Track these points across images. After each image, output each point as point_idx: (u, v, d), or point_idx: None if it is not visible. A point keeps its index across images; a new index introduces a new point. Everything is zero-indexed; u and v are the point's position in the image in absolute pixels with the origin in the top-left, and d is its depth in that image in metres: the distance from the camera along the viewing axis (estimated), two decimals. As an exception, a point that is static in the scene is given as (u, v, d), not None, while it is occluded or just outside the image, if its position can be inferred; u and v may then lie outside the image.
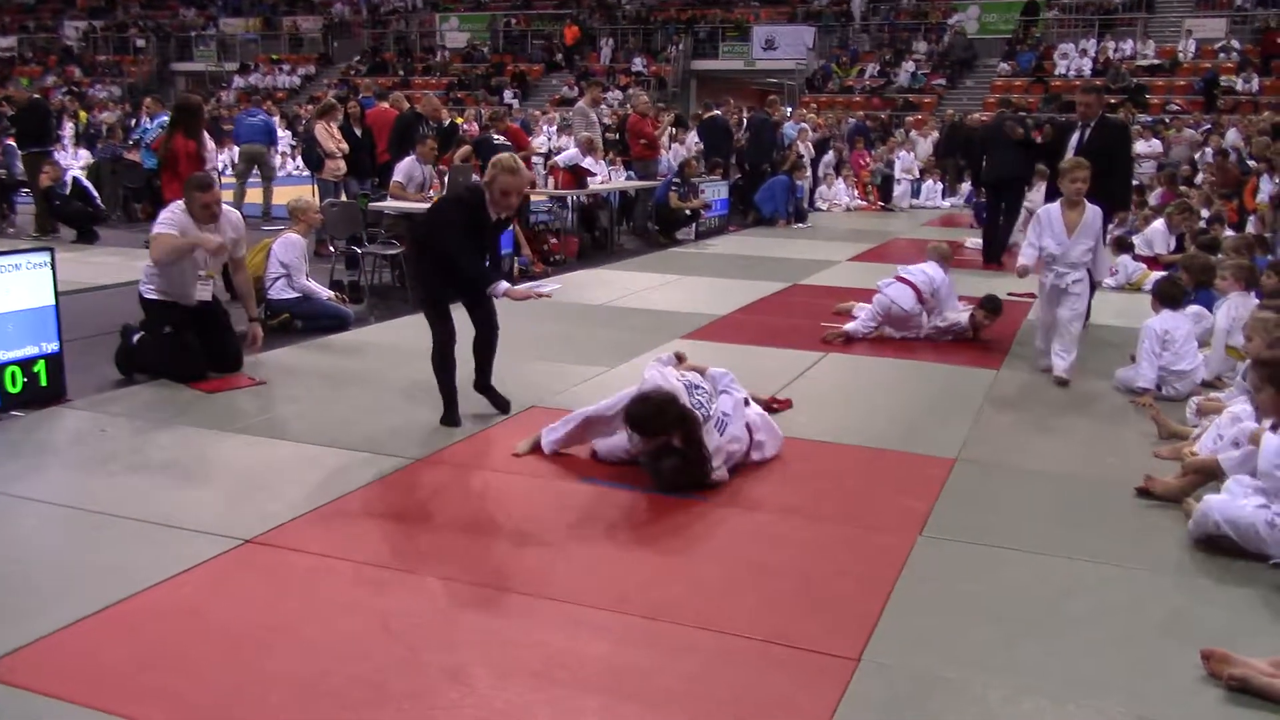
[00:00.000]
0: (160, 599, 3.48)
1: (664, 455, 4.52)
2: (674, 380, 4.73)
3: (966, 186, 18.30)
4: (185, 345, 6.12)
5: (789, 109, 23.59)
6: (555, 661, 3.16)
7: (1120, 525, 4.30)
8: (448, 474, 4.78)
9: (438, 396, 6.01)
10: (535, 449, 5.01)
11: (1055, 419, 5.95)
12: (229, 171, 15.72)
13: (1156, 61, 25.26)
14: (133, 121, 17.36)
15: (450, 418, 5.37)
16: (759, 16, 30.52)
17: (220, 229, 6.23)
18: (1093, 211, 6.50)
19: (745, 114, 18.04)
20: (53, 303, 5.63)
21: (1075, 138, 8.12)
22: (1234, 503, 4.00)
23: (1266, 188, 10.83)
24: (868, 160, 19.14)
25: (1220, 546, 4.02)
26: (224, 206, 6.32)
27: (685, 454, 4.49)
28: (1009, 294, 9.71)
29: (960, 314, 7.75)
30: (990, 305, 7.73)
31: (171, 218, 6.12)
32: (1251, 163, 11.78)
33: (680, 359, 5.51)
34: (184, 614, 3.39)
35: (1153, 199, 13.53)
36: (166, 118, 12.08)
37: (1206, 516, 4.02)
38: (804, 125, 18.82)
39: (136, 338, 6.22)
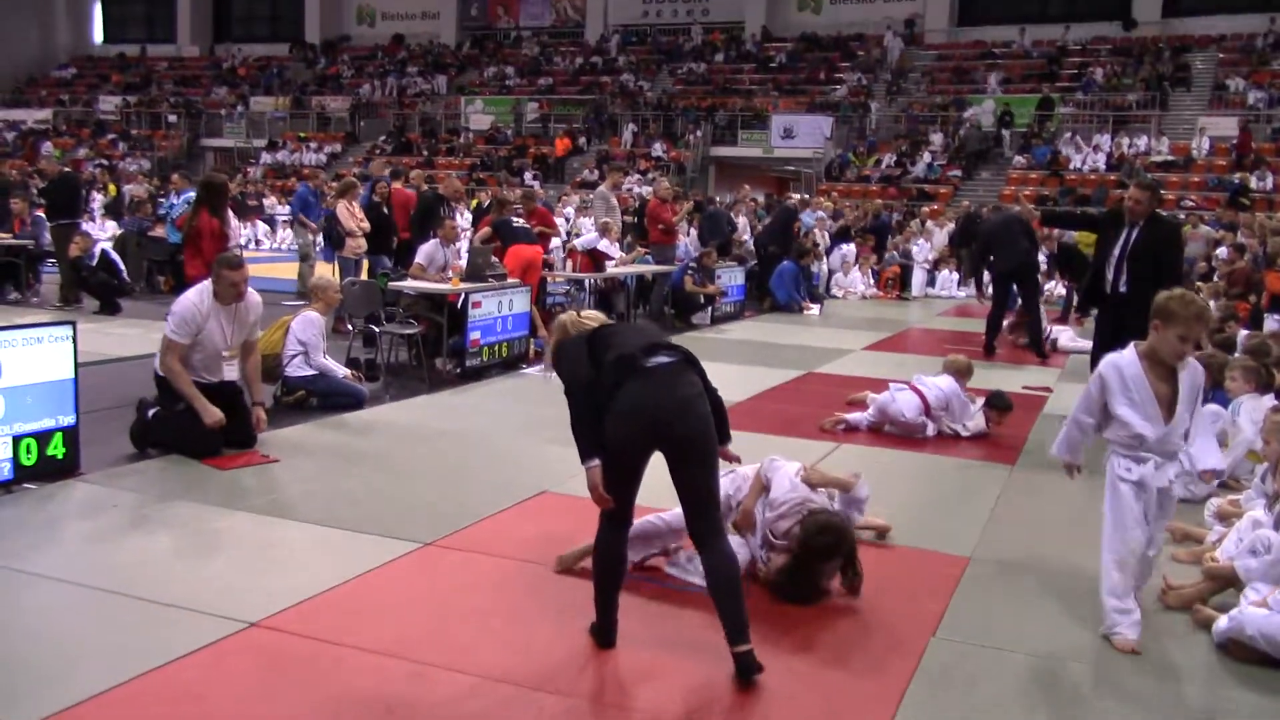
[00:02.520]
0: (161, 683, 3.44)
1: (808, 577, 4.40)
2: (806, 490, 4.65)
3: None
4: (198, 420, 6.12)
5: (805, 196, 23.90)
6: (558, 760, 3.10)
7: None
8: (458, 560, 4.74)
9: (449, 475, 6.04)
10: (583, 557, 4.50)
11: (1070, 517, 5.87)
12: (251, 247, 15.93)
13: (1170, 158, 25.51)
14: (161, 196, 17.67)
15: (605, 637, 3.91)
16: (778, 106, 31.06)
17: (242, 311, 6.28)
18: (1193, 370, 4.15)
19: (763, 203, 18.23)
20: (72, 376, 5.67)
21: (1122, 237, 7.73)
22: (1272, 618, 3.92)
23: None
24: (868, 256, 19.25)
25: (1237, 650, 3.95)
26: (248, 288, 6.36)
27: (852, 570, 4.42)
28: (1024, 387, 9.72)
29: (979, 420, 7.67)
30: (998, 403, 7.64)
31: (187, 313, 6.07)
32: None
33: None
34: (185, 699, 3.35)
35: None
36: (192, 194, 12.34)
37: (1241, 630, 3.95)
38: (821, 214, 19.04)
39: (152, 412, 6.25)
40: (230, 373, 6.37)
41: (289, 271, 14.43)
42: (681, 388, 3.68)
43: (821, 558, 4.33)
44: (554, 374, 3.99)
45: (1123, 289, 7.70)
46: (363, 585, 4.38)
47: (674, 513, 4.51)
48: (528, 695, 3.48)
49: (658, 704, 3.46)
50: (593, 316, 4.04)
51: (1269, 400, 6.24)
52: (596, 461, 3.65)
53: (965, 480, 6.57)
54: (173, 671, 3.52)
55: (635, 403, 3.60)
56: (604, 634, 3.87)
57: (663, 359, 3.69)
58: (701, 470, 3.72)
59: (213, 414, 6.03)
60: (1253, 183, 23.38)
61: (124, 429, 6.30)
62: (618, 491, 3.69)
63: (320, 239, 13.41)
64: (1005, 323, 12.22)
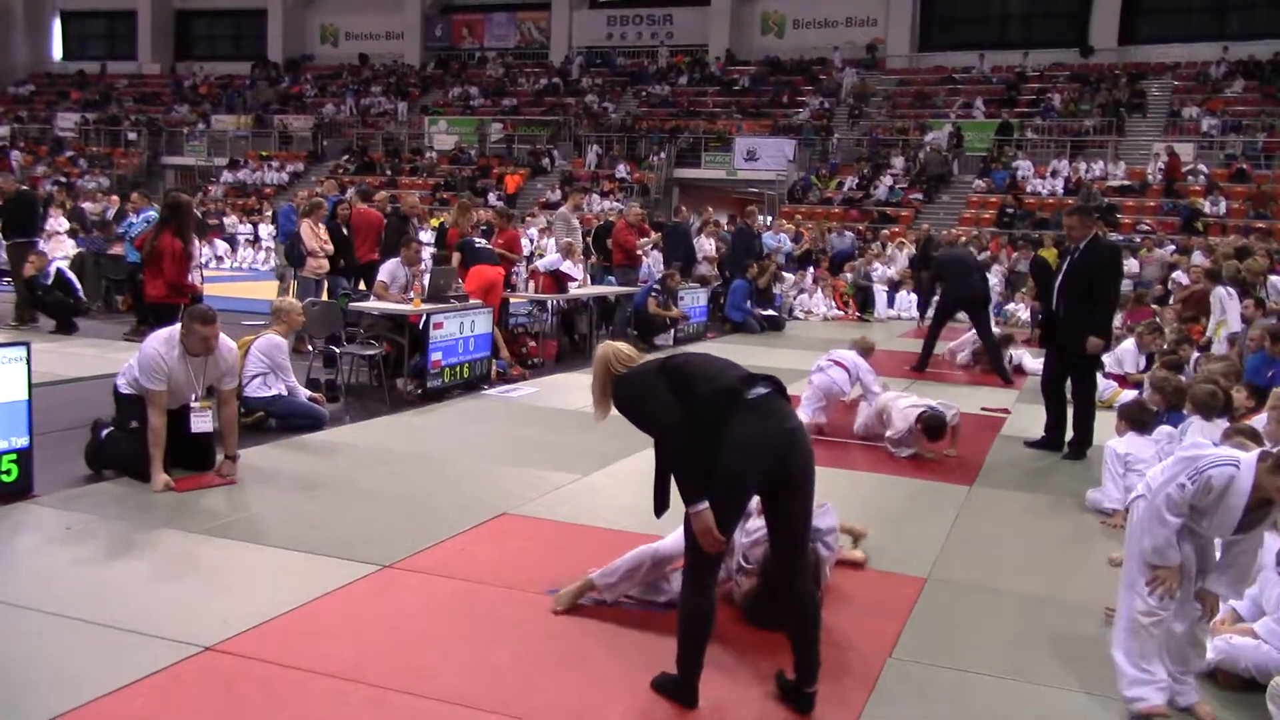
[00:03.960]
0: (113, 708, 3.40)
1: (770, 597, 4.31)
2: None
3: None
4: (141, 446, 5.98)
5: (769, 219, 24.06)
6: (515, 784, 3.09)
7: (1090, 650, 4.27)
8: (417, 582, 4.72)
9: (409, 497, 6.01)
10: (576, 601, 4.49)
11: (1028, 539, 5.95)
12: (210, 265, 15.79)
13: (1127, 182, 25.96)
14: (116, 214, 17.48)
15: (690, 696, 3.66)
16: (741, 129, 31.28)
17: (211, 362, 6.10)
18: None
19: (727, 224, 18.36)
20: (26, 397, 5.59)
21: (1066, 262, 7.95)
22: (1261, 649, 3.99)
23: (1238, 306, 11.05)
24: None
25: (1225, 678, 4.02)
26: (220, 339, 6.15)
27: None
28: (983, 408, 9.83)
29: (904, 419, 7.70)
30: (929, 426, 7.55)
31: (151, 362, 5.91)
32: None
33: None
34: (136, 726, 3.31)
35: (1118, 319, 13.75)
36: (152, 213, 12.22)
37: (1235, 663, 4.01)
38: (783, 236, 19.19)
39: (105, 432, 6.17)
40: (203, 424, 6.20)
41: (249, 291, 14.33)
42: (788, 419, 3.58)
43: (772, 580, 4.31)
44: (607, 416, 3.79)
45: (1061, 311, 7.92)
46: (321, 608, 4.35)
47: (665, 542, 4.47)
48: (486, 718, 3.47)
49: (616, 727, 3.46)
50: (629, 349, 3.84)
51: (1221, 424, 6.34)
52: (706, 504, 3.42)
53: (923, 501, 6.64)
54: (126, 697, 3.48)
55: (751, 438, 3.44)
56: (689, 694, 3.63)
57: (761, 390, 3.54)
58: (804, 506, 3.64)
59: (158, 483, 5.86)
60: (1206, 208, 23.83)
61: (79, 450, 6.22)
62: (727, 533, 3.49)
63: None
64: (967, 353, 12.52)
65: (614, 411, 3.84)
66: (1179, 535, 3.58)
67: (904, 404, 7.88)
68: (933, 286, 12.89)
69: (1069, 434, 8.02)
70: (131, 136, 36.76)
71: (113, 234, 15.44)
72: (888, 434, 7.80)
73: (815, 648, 3.62)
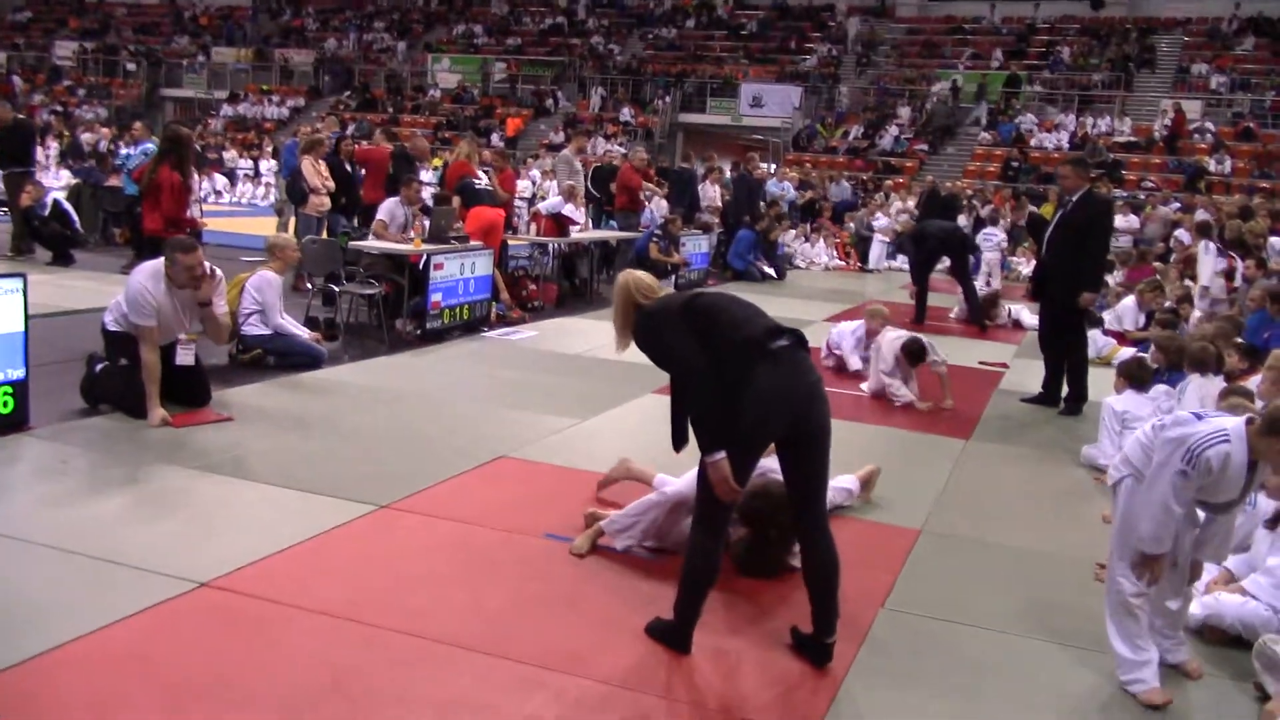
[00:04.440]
0: (107, 642, 3.41)
1: (760, 545, 4.37)
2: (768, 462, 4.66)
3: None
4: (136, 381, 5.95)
5: (773, 166, 23.86)
6: (508, 725, 3.12)
7: (1080, 604, 4.30)
8: (413, 523, 4.73)
9: (407, 438, 6.01)
10: (594, 547, 4.49)
11: (1022, 493, 5.97)
12: (209, 200, 15.66)
13: (1133, 139, 25.74)
14: (117, 145, 17.30)
15: (685, 643, 3.67)
16: (747, 74, 30.94)
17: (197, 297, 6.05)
18: None
19: (730, 172, 18.20)
20: (22, 329, 5.56)
21: (1057, 214, 7.99)
22: (1247, 605, 4.02)
23: (1214, 264, 11.08)
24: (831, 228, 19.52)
25: (1211, 634, 4.04)
26: (211, 269, 6.10)
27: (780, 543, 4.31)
28: (980, 362, 9.83)
29: (891, 349, 7.92)
30: (909, 350, 7.81)
31: (138, 296, 5.84)
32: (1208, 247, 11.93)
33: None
34: (130, 659, 3.32)
35: (1119, 275, 13.71)
36: (151, 145, 12.10)
37: (1220, 618, 4.04)
38: (787, 184, 19.04)
39: (100, 366, 6.15)
40: (186, 358, 6.15)
41: (247, 226, 14.22)
42: (808, 373, 3.54)
43: (760, 523, 4.31)
44: (628, 348, 3.71)
45: (1051, 263, 7.93)
46: (317, 547, 4.36)
47: (677, 486, 4.41)
48: (479, 659, 3.49)
49: (608, 670, 3.49)
50: (651, 280, 3.75)
51: (1218, 381, 6.34)
52: (723, 453, 3.38)
53: (919, 453, 6.64)
54: (119, 631, 3.49)
55: (774, 390, 3.40)
56: (684, 641, 3.63)
57: (784, 341, 3.48)
58: (822, 459, 3.62)
59: (155, 417, 5.84)
60: (1211, 166, 23.66)
61: (75, 384, 6.20)
62: (743, 483, 3.47)
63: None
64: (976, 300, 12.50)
65: (614, 358, 3.80)
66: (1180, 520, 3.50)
67: (891, 335, 8.02)
68: (915, 252, 12.92)
69: (1065, 389, 8.02)
70: (130, 67, 36.35)
71: (109, 166, 15.31)
72: (880, 368, 7.90)
73: (834, 598, 3.62)
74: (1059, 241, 7.80)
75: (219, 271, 6.21)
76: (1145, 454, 3.56)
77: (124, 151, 14.02)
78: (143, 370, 5.87)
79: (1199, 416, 3.52)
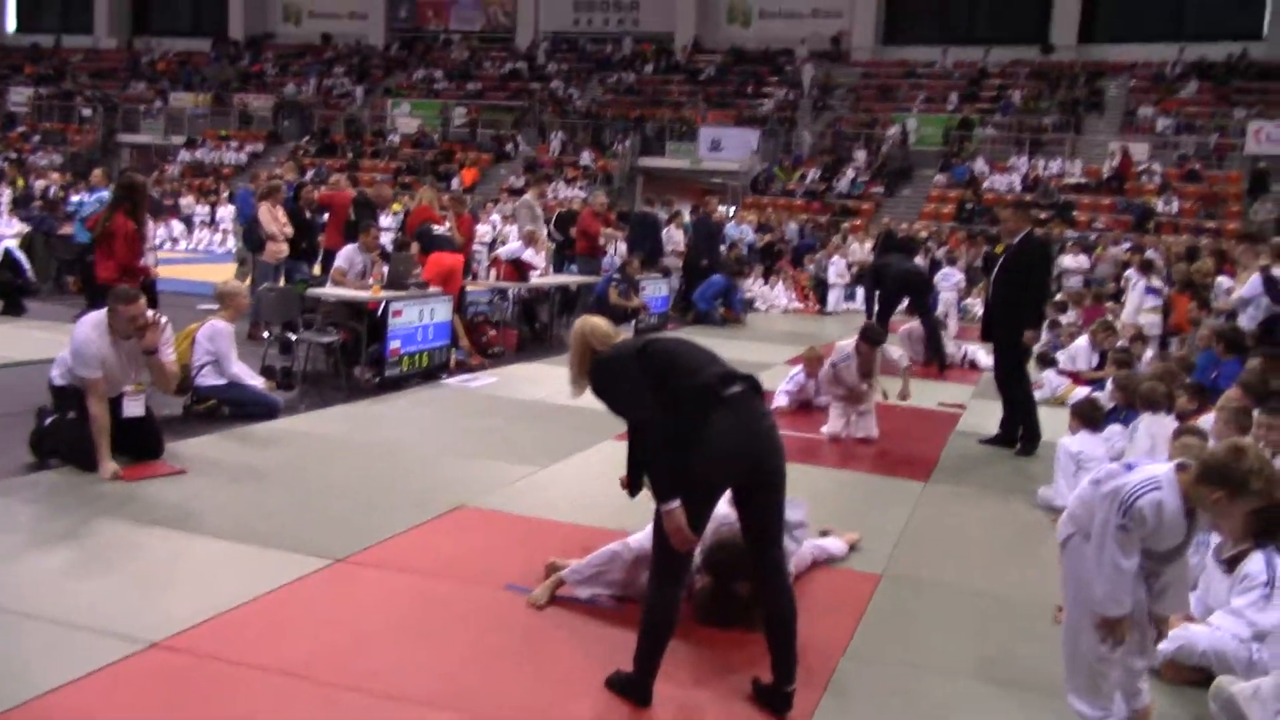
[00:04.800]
0: (55, 708, 3.33)
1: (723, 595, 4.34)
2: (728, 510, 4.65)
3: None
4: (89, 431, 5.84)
5: (732, 209, 24.08)
6: (466, 784, 3.07)
7: (1040, 647, 4.30)
8: (371, 576, 4.67)
9: (365, 488, 5.94)
10: (553, 598, 4.44)
11: (980, 536, 6.01)
12: (165, 247, 15.53)
13: (1083, 180, 26.26)
14: (68, 192, 17.14)
15: (645, 696, 3.63)
16: (705, 118, 31.27)
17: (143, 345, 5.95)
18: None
19: (689, 215, 18.34)
20: (-31, 382, 5.47)
21: (1001, 257, 8.20)
22: (1219, 635, 4.06)
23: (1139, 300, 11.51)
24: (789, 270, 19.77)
25: (1172, 673, 4.08)
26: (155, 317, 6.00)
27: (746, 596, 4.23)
28: (940, 404, 9.92)
29: (848, 344, 8.17)
30: (865, 334, 8.04)
31: (85, 349, 5.75)
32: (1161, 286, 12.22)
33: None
34: (79, 724, 3.25)
35: (1071, 315, 13.93)
36: (106, 193, 11.99)
37: (1193, 647, 4.07)
38: (746, 227, 19.22)
39: (49, 420, 6.04)
40: (135, 409, 6.06)
41: (203, 273, 14.10)
42: (762, 419, 3.55)
43: (724, 575, 4.29)
44: (584, 393, 3.72)
45: (994, 300, 8.16)
46: (272, 603, 4.29)
47: (640, 538, 4.36)
48: (438, 715, 3.44)
49: (569, 725, 3.45)
50: (607, 326, 3.80)
51: (1170, 420, 6.43)
52: (678, 502, 3.37)
53: (878, 496, 6.68)
54: (68, 695, 3.40)
55: (728, 437, 3.41)
56: (644, 694, 3.59)
57: (737, 388, 3.50)
58: (776, 504, 3.62)
59: (106, 471, 5.75)
60: (1159, 206, 24.17)
61: (25, 437, 6.09)
62: (698, 531, 3.46)
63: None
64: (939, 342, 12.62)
65: (574, 405, 3.81)
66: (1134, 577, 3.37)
67: (837, 352, 8.20)
68: (873, 288, 13.02)
69: (1016, 427, 8.13)
70: (86, 113, 36.06)
71: (60, 212, 15.16)
72: (832, 360, 8.13)
73: (793, 645, 3.62)
74: (1002, 282, 8.05)
75: (164, 319, 6.12)
76: (1087, 510, 3.46)
77: (74, 199, 13.87)
78: (91, 423, 5.77)
79: (1129, 467, 3.46)
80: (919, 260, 17.89)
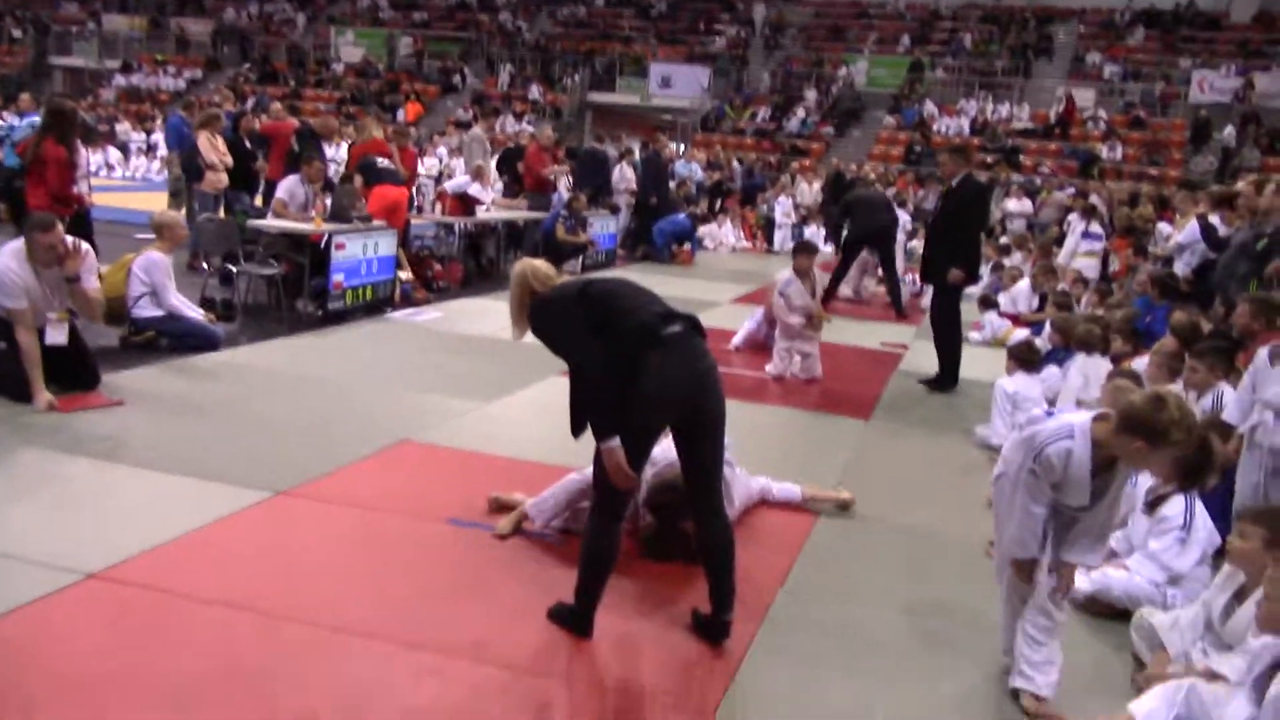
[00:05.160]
0: (-11, 637, 3.30)
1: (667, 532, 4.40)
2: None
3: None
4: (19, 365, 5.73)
5: (681, 147, 23.94)
6: (409, 711, 3.10)
7: (973, 583, 4.43)
8: (311, 509, 4.65)
9: (306, 422, 5.90)
10: (518, 529, 4.53)
11: (919, 474, 6.12)
12: (101, 174, 15.08)
13: (1030, 125, 26.45)
14: (2, 115, 16.54)
15: (586, 628, 3.70)
16: (656, 54, 30.92)
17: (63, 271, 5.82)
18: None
19: (639, 152, 18.20)
20: (-105, 310, 5.31)
21: (940, 200, 8.41)
22: (1133, 579, 4.21)
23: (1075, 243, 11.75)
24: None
25: (1095, 606, 4.22)
26: (75, 243, 5.87)
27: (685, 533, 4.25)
28: (882, 343, 10.04)
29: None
30: (798, 246, 8.59)
31: (9, 277, 5.63)
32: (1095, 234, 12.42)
33: None
34: (14, 653, 3.21)
35: (1014, 259, 14.09)
36: (36, 117, 11.59)
37: (1109, 590, 4.22)
38: (695, 165, 19.13)
39: (-20, 351, 5.89)
40: (58, 337, 5.93)
41: (141, 202, 13.74)
42: (701, 359, 3.55)
43: (668, 514, 4.36)
44: (524, 335, 3.71)
45: (932, 242, 8.38)
46: (211, 535, 4.27)
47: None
48: (379, 646, 3.46)
49: (509, 655, 3.49)
50: (547, 267, 3.76)
51: (1104, 362, 6.57)
52: (617, 440, 3.40)
53: (819, 435, 6.77)
54: (3, 625, 3.37)
55: (663, 378, 3.42)
56: (585, 625, 3.66)
57: (676, 328, 3.50)
58: (715, 445, 3.65)
59: (41, 401, 5.66)
60: (1104, 153, 24.45)
61: (-46, 367, 5.94)
62: (637, 469, 3.48)
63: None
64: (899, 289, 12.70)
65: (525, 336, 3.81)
66: (1045, 521, 3.37)
67: (779, 280, 8.41)
68: (841, 224, 13.00)
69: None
70: (16, 34, 34.74)
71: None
72: (779, 289, 8.28)
73: (730, 576, 3.68)
74: (939, 225, 8.25)
75: (85, 245, 5.99)
76: (1014, 453, 3.47)
77: (7, 122, 13.40)
78: (20, 354, 5.65)
79: (1049, 414, 3.51)
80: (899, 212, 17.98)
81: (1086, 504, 3.33)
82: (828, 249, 19.18)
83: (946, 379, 8.20)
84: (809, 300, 8.14)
